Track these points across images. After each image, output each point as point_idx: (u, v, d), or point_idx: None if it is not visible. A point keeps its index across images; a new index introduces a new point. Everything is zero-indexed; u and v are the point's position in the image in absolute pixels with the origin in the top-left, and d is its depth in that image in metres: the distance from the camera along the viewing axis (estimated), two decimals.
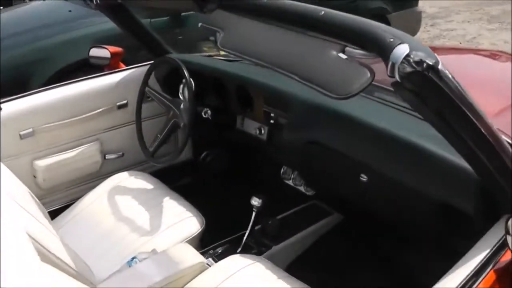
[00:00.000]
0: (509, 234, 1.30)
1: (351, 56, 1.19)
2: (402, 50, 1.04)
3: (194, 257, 1.83)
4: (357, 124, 1.80)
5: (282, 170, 2.51)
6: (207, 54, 2.79)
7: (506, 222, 1.29)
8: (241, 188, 2.48)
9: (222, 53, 2.69)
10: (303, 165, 2.10)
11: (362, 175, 1.83)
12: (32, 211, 1.49)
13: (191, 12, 4.26)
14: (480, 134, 1.19)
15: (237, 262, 1.78)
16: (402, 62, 1.03)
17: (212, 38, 3.07)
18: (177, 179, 2.66)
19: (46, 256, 1.23)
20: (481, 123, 1.18)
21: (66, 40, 3.98)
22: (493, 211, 1.44)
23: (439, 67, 1.06)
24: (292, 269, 1.81)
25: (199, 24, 1.52)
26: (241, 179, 2.74)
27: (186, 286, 1.72)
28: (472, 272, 1.28)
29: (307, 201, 2.50)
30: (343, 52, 1.19)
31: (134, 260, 1.89)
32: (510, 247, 1.29)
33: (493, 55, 2.95)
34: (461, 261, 1.34)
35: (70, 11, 4.37)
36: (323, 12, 1.23)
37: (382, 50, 1.07)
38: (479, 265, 1.29)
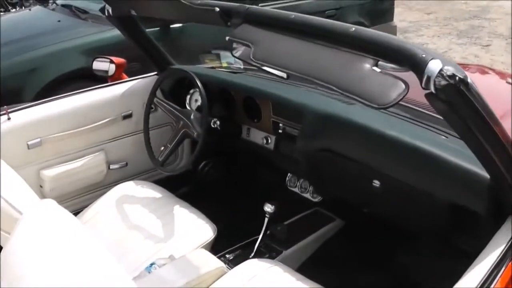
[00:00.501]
0: None
1: (383, 69, 1.28)
2: (436, 65, 1.15)
3: (213, 262, 1.89)
4: (369, 133, 1.90)
5: (287, 178, 2.60)
6: (210, 66, 2.85)
7: None
8: (246, 195, 2.55)
9: (225, 65, 2.77)
10: (314, 172, 2.18)
11: (375, 180, 1.93)
12: None
13: (181, 25, 4.34)
14: (497, 138, 1.32)
15: (254, 267, 1.85)
16: (437, 75, 1.14)
17: (215, 51, 3.16)
18: (179, 187, 2.72)
19: None
20: (498, 128, 1.31)
21: (57, 50, 3.96)
22: (501, 212, 1.56)
23: (469, 80, 1.17)
24: (302, 272, 1.88)
25: (226, 38, 1.59)
26: (246, 186, 2.82)
27: None
28: (490, 270, 1.37)
29: (310, 208, 2.59)
30: (377, 65, 1.29)
31: (153, 266, 1.93)
32: None
33: (481, 70, 3.13)
34: (477, 260, 1.43)
35: (59, 21, 4.37)
36: (354, 29, 1.33)
37: (415, 64, 1.18)
38: (495, 262, 1.39)
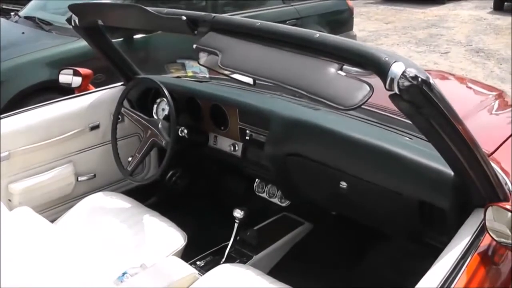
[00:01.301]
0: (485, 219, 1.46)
1: (348, 73, 1.32)
2: (398, 67, 1.19)
3: (185, 268, 1.87)
4: (335, 136, 1.94)
5: (255, 183, 2.61)
6: (175, 75, 2.85)
7: (485, 210, 1.46)
8: (215, 202, 2.54)
9: (190, 74, 2.78)
10: (281, 177, 2.20)
11: (342, 182, 1.96)
12: None
13: (145, 36, 4.33)
14: (460, 136, 1.37)
15: (226, 271, 1.85)
16: (400, 77, 1.18)
17: (180, 60, 3.15)
18: (148, 197, 2.70)
19: None
20: (461, 126, 1.36)
21: (22, 63, 3.91)
22: (465, 206, 1.61)
23: (431, 81, 1.21)
24: (273, 275, 1.89)
25: (194, 46, 1.60)
26: (215, 194, 2.82)
27: None
28: (455, 263, 1.42)
29: (278, 213, 2.61)
30: (341, 69, 1.32)
31: (125, 275, 1.92)
32: (488, 230, 1.45)
33: (441, 76, 3.22)
34: (441, 254, 1.48)
35: (23, 33, 4.31)
36: (318, 35, 1.36)
37: (379, 67, 1.22)
38: (460, 255, 1.44)
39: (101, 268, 1.94)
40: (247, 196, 2.65)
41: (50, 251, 1.22)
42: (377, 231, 2.15)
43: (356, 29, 6.92)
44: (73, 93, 2.65)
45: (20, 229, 1.24)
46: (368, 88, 1.25)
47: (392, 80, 1.19)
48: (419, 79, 1.18)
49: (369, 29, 9.67)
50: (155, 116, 2.55)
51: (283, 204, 2.57)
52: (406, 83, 1.18)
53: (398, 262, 2.29)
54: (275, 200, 2.59)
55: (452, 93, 2.56)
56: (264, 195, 2.61)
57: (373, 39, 8.92)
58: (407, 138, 1.89)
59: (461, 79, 3.31)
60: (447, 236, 1.58)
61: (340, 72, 1.31)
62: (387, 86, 1.20)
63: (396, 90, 1.19)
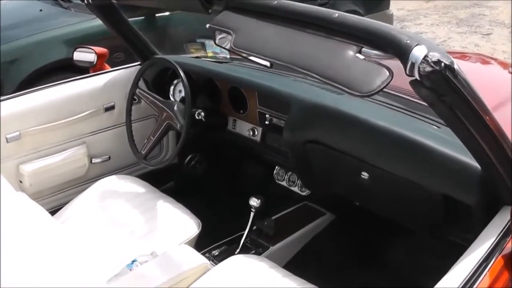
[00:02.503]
0: None
1: (367, 56, 1.28)
2: (420, 51, 1.15)
3: (196, 258, 1.88)
4: (357, 123, 1.90)
5: (275, 171, 2.60)
6: (194, 55, 2.84)
7: None
8: (233, 189, 2.54)
9: (210, 54, 2.77)
10: (301, 164, 2.18)
11: (363, 172, 1.93)
12: None
13: (168, 14, 4.33)
14: (486, 127, 1.32)
15: (239, 263, 1.85)
16: (422, 62, 1.13)
17: (199, 40, 3.15)
18: (164, 182, 2.72)
19: None
20: (488, 116, 1.31)
21: (39, 40, 3.95)
22: (493, 203, 1.56)
23: (455, 66, 1.17)
24: (289, 268, 1.88)
25: (207, 26, 1.58)
26: (232, 180, 2.81)
27: (190, 287, 1.78)
28: (478, 263, 1.38)
29: (299, 202, 2.59)
30: (360, 52, 1.28)
31: (134, 263, 1.93)
32: None
33: (481, 60, 3.13)
34: (469, 250, 1.44)
35: (41, 10, 4.35)
36: (337, 15, 1.32)
37: (399, 50, 1.18)
38: (484, 256, 1.40)
39: (109, 255, 1.97)
40: (266, 183, 2.64)
41: (49, 244, 1.22)
42: (399, 226, 2.11)
43: (393, 8, 6.78)
44: (88, 73, 2.66)
45: (14, 219, 1.24)
46: (387, 73, 1.22)
47: (412, 64, 1.15)
48: (442, 64, 1.14)
49: (408, 7, 9.45)
50: (171, 98, 2.55)
51: (304, 193, 2.55)
52: (428, 69, 1.14)
53: (419, 259, 2.25)
54: (295, 189, 2.57)
55: (490, 79, 2.50)
56: (283, 183, 2.60)
57: (411, 19, 8.73)
58: (435, 127, 1.85)
59: (502, 64, 3.20)
60: (472, 234, 1.53)
61: (358, 55, 1.28)
62: (407, 71, 1.16)
63: (416, 75, 1.15)
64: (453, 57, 1.19)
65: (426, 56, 1.14)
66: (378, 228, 2.37)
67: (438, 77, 1.15)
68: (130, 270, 1.90)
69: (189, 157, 2.88)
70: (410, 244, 2.35)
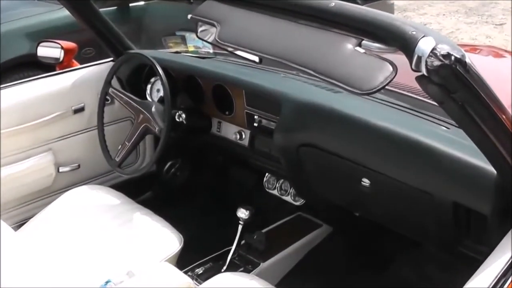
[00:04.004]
0: None
1: (368, 50, 1.29)
2: (427, 43, 1.15)
3: (178, 277, 1.86)
4: (356, 124, 1.91)
5: (265, 178, 2.60)
6: (174, 50, 2.84)
7: None
8: (218, 200, 2.53)
9: (192, 49, 2.77)
10: (294, 171, 2.18)
11: (364, 179, 1.93)
12: None
13: (142, 3, 4.32)
14: (502, 127, 1.32)
15: (226, 282, 1.84)
16: (429, 55, 1.14)
17: (179, 33, 3.15)
18: (141, 192, 2.71)
19: None
20: (504, 115, 1.31)
21: None
22: (510, 211, 1.57)
23: (467, 60, 1.17)
24: (283, 286, 1.89)
25: (189, 16, 1.58)
26: (218, 190, 2.81)
27: None
28: (500, 274, 1.37)
29: (292, 213, 2.59)
30: (360, 45, 1.29)
31: (108, 283, 1.92)
32: None
33: (494, 52, 3.16)
34: (481, 267, 1.44)
35: None
36: (333, 4, 1.33)
37: (404, 43, 1.18)
38: (502, 271, 1.40)
39: (80, 276, 1.96)
40: (255, 193, 2.64)
41: (10, 262, 1.21)
42: (404, 238, 2.12)
43: None
44: (54, 70, 2.64)
45: None
46: (390, 69, 1.22)
47: (419, 58, 1.15)
48: (452, 57, 1.14)
49: None
50: (148, 98, 2.55)
51: (297, 203, 2.55)
52: (436, 63, 1.14)
53: (428, 274, 2.26)
54: (288, 198, 2.57)
55: (504, 74, 2.51)
56: (275, 192, 2.60)
57: (414, 8, 8.80)
58: (444, 128, 1.85)
59: None
60: (486, 245, 1.54)
61: (358, 48, 1.28)
62: (413, 66, 1.16)
63: (424, 71, 1.16)
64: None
65: (434, 48, 1.14)
66: (381, 241, 2.37)
67: (448, 72, 1.15)
68: None
69: (169, 164, 2.88)
70: (418, 257, 2.36)
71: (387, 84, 1.20)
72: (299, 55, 1.34)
